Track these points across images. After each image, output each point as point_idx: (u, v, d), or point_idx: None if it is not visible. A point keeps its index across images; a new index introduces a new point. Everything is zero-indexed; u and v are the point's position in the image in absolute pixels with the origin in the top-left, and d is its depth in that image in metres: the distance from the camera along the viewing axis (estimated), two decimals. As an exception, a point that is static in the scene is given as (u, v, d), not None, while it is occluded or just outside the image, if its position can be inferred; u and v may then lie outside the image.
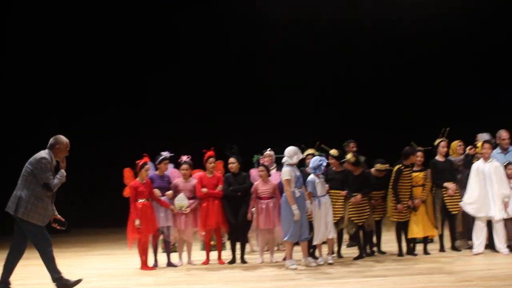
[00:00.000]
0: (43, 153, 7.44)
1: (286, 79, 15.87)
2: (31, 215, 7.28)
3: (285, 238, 8.96)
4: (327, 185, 9.36)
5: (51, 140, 7.57)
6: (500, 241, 9.46)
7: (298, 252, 9.21)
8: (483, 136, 10.09)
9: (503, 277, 7.57)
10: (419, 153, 9.64)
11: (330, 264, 9.10)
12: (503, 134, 10.01)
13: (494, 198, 9.44)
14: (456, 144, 10.07)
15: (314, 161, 9.23)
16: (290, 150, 9.03)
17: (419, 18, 15.28)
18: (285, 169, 8.97)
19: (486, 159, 9.55)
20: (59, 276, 7.47)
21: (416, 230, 9.54)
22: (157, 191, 9.45)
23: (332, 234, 9.23)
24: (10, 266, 7.50)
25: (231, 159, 9.57)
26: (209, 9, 15.58)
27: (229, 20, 15.69)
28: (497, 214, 9.41)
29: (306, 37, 15.95)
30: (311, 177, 9.20)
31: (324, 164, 9.22)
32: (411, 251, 9.62)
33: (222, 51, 15.88)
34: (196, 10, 15.54)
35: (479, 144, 9.78)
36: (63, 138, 7.64)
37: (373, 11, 15.30)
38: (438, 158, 9.87)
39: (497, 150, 10.01)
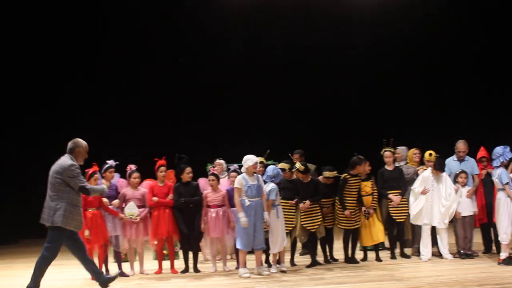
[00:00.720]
0: (68, 160, 7.59)
1: (237, 86, 15.83)
2: (69, 222, 7.54)
3: (238, 246, 8.97)
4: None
5: (70, 144, 7.75)
6: (444, 248, 9.77)
7: (252, 261, 9.23)
8: (402, 149, 10.44)
9: (451, 283, 7.80)
10: (367, 163, 9.84)
11: (283, 272, 9.14)
12: (461, 146, 10.24)
13: (439, 207, 9.70)
14: (412, 152, 10.29)
15: (271, 170, 9.28)
16: (246, 157, 9.05)
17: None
18: (238, 177, 9.01)
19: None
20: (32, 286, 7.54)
21: (366, 238, 9.70)
22: (106, 200, 9.34)
23: (285, 243, 9.28)
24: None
25: (188, 169, 9.50)
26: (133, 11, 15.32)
27: (175, 23, 15.52)
28: (441, 222, 9.71)
29: (258, 45, 15.90)
30: (273, 185, 9.24)
31: (282, 172, 9.29)
32: (364, 259, 9.85)
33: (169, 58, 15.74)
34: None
35: (426, 154, 10.05)
36: (82, 142, 7.80)
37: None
38: (386, 167, 10.05)
39: (453, 157, 10.27)
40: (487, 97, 15.49)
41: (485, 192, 9.97)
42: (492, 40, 15.41)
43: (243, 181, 8.97)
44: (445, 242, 9.80)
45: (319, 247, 9.89)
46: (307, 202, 9.46)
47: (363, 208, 9.65)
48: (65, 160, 7.63)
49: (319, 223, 9.59)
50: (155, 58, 15.54)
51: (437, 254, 9.88)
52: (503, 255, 9.12)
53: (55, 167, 7.61)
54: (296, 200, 9.50)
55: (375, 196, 9.80)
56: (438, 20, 15.49)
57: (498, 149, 9.34)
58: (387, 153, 10.05)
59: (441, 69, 15.85)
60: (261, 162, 9.79)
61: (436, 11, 15.41)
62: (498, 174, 9.16)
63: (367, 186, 9.75)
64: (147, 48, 15.39)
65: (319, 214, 9.61)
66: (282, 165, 9.65)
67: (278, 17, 15.34)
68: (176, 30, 15.42)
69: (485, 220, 10.01)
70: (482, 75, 15.51)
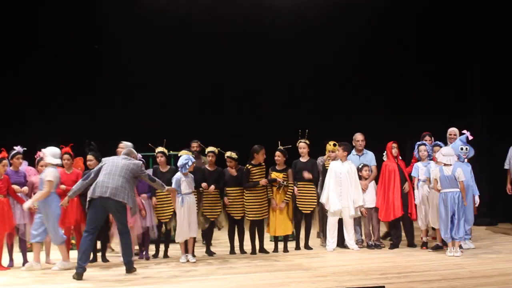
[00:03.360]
0: (138, 162, 8.71)
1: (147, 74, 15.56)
2: (130, 201, 8.37)
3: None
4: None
5: (127, 151, 8.80)
6: (350, 239, 10.02)
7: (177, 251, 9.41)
8: None
9: (355, 272, 8.02)
10: (277, 153, 9.92)
11: (193, 262, 9.13)
12: (358, 136, 10.52)
13: (346, 198, 9.93)
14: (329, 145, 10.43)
15: (181, 159, 9.26)
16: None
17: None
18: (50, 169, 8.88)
19: (343, 160, 10.01)
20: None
21: (275, 228, 9.84)
22: (16, 187, 9.07)
23: (193, 234, 9.28)
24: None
25: (89, 156, 9.35)
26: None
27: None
28: (347, 213, 9.94)
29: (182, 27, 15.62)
30: (177, 174, 9.26)
31: (190, 163, 9.26)
32: (275, 250, 9.96)
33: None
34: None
35: (330, 145, 10.26)
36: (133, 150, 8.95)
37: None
38: (301, 158, 10.19)
39: (353, 152, 10.49)
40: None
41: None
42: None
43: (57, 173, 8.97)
44: (350, 233, 10.05)
45: (225, 237, 10.03)
46: (212, 186, 9.54)
47: (277, 180, 9.74)
48: (136, 161, 8.67)
49: (219, 213, 9.70)
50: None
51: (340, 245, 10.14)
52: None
53: (128, 163, 8.54)
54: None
55: (289, 189, 9.89)
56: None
57: (449, 149, 9.51)
58: (301, 144, 10.17)
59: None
60: (161, 152, 9.78)
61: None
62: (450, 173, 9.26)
63: (279, 177, 9.84)
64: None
65: (219, 204, 9.71)
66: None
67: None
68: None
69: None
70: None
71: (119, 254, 9.57)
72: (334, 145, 10.20)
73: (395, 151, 10.15)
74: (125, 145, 9.96)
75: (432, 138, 10.52)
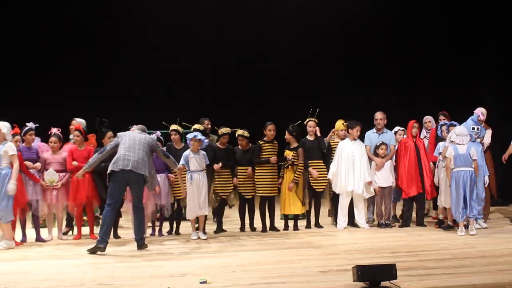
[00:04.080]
0: (153, 136, 8.94)
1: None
2: (149, 175, 8.47)
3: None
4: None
5: (140, 127, 8.84)
6: (361, 218, 10.04)
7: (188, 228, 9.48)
8: None
9: (365, 251, 8.01)
10: (286, 132, 9.90)
11: (204, 239, 9.18)
12: (378, 115, 10.47)
13: (356, 177, 9.91)
14: (341, 124, 10.40)
15: (188, 136, 9.30)
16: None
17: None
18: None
19: (351, 138, 10.01)
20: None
21: (286, 207, 9.85)
22: (29, 164, 9.14)
23: (204, 211, 9.30)
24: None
25: (109, 133, 9.41)
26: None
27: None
28: (359, 191, 9.94)
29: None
30: (187, 151, 9.24)
31: (192, 140, 9.24)
32: (285, 228, 10.02)
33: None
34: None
35: (339, 124, 10.31)
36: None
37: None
38: (308, 137, 10.17)
39: (373, 130, 10.48)
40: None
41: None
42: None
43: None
44: (362, 212, 10.07)
45: (236, 215, 10.11)
46: (220, 164, 9.57)
47: (287, 158, 9.76)
48: (151, 136, 8.85)
49: (230, 190, 9.75)
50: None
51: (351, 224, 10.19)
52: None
53: (145, 136, 8.66)
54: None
55: (298, 168, 9.88)
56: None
57: (462, 129, 9.49)
58: (310, 123, 10.14)
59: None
60: (175, 130, 9.78)
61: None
62: (463, 151, 9.29)
63: (289, 155, 9.84)
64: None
65: (231, 182, 9.75)
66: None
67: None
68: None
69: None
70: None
71: (129, 230, 9.67)
72: (343, 124, 10.20)
73: (415, 130, 10.13)
74: (78, 122, 10.03)
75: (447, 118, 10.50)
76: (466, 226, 9.29)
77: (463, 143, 9.26)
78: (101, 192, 9.30)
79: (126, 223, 10.31)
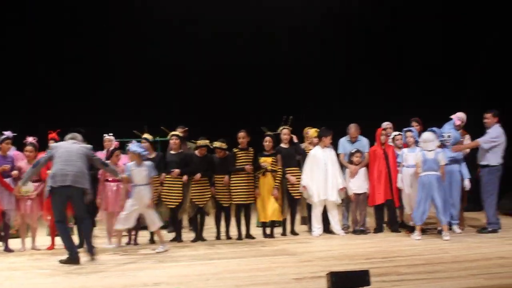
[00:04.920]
0: (89, 145, 8.57)
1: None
2: (89, 186, 8.33)
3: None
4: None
5: (72, 135, 8.52)
6: (336, 224, 10.08)
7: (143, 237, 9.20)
8: None
9: (340, 257, 8.04)
10: (267, 138, 9.93)
11: (165, 251, 8.99)
12: (352, 128, 10.49)
13: (329, 185, 9.97)
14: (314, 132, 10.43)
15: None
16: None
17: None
18: None
19: (324, 146, 10.07)
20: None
21: (264, 214, 9.86)
22: (6, 167, 9.12)
23: (153, 227, 9.09)
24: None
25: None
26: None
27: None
28: (332, 199, 9.99)
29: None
30: (130, 163, 9.11)
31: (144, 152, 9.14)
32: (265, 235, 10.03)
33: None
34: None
35: (311, 132, 10.35)
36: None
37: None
38: (282, 144, 10.19)
39: (347, 137, 10.55)
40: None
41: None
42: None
43: None
44: (336, 218, 10.11)
45: (211, 223, 10.08)
46: (198, 174, 9.54)
47: (261, 164, 9.79)
48: (86, 145, 8.53)
49: (208, 199, 9.72)
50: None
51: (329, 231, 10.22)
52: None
53: (81, 147, 8.40)
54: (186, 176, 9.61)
55: (278, 175, 9.92)
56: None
57: (429, 135, 9.61)
58: (285, 131, 10.17)
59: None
60: (145, 138, 9.78)
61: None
62: (429, 156, 9.47)
63: (267, 162, 9.87)
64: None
65: (209, 190, 9.72)
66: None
67: None
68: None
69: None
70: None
71: (104, 239, 9.63)
72: (315, 131, 10.27)
73: (383, 138, 10.19)
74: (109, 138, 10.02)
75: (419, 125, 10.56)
76: (440, 232, 9.49)
77: (430, 148, 9.43)
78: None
79: (101, 232, 10.22)
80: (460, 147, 9.97)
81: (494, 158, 9.88)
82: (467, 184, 10.00)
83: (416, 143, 9.94)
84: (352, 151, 10.28)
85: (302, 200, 10.27)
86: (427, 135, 9.60)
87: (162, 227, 9.93)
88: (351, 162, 10.24)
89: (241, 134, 9.86)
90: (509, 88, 12.90)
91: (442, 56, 14.84)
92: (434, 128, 9.85)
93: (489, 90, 13.60)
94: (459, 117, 10.14)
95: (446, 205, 9.44)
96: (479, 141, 9.92)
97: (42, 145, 9.59)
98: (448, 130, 9.98)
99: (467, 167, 10.18)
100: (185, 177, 9.60)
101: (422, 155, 9.46)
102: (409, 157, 9.86)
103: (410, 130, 10.12)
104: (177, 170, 9.56)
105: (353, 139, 10.43)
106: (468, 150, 10.22)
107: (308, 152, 10.20)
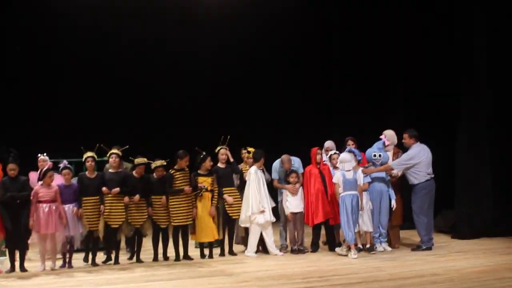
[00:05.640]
0: None
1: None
2: None
3: None
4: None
5: None
6: (271, 244, 10.14)
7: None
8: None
9: (277, 277, 8.06)
10: (208, 157, 9.93)
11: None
12: (286, 165, 10.36)
13: (263, 203, 10.03)
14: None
15: None
16: None
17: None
18: None
19: (258, 166, 10.14)
20: None
21: (202, 234, 9.81)
22: None
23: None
24: None
25: (11, 165, 9.07)
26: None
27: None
28: (265, 218, 10.01)
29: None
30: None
31: None
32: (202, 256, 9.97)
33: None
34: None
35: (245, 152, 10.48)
36: None
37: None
38: (219, 165, 10.18)
39: (278, 160, 10.51)
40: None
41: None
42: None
43: None
44: (271, 238, 10.15)
45: (149, 244, 9.94)
46: (137, 196, 9.46)
47: (199, 185, 9.77)
48: None
49: (145, 220, 9.63)
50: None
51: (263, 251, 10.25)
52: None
53: None
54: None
55: (215, 194, 9.92)
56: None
57: (346, 156, 9.80)
58: (222, 151, 10.17)
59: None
60: (91, 157, 9.61)
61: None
62: (348, 177, 9.67)
63: (206, 182, 9.85)
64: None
65: (145, 210, 9.65)
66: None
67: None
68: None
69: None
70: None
71: (37, 263, 9.40)
72: (249, 152, 10.34)
73: (319, 157, 10.30)
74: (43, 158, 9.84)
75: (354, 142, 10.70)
76: (370, 248, 9.90)
77: (347, 168, 9.69)
78: (6, 223, 8.97)
79: (35, 255, 9.95)
80: (369, 170, 10.12)
81: (414, 178, 10.11)
82: (393, 203, 10.17)
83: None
84: (287, 173, 10.34)
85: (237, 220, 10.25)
86: (343, 155, 9.84)
87: (100, 249, 9.84)
88: (287, 182, 10.30)
89: (183, 153, 9.79)
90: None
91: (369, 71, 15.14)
92: (352, 148, 10.12)
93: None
94: (387, 136, 10.36)
95: (355, 224, 9.64)
96: (390, 165, 10.15)
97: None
98: (378, 150, 10.16)
99: (400, 185, 10.40)
100: (126, 198, 9.47)
101: (342, 175, 9.71)
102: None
103: (336, 153, 10.30)
104: (116, 189, 9.43)
105: (288, 170, 10.43)
106: (396, 172, 10.34)
107: (246, 172, 10.23)
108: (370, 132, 11.09)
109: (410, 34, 13.82)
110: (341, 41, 15.89)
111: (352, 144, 10.57)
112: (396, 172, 10.19)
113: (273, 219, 10.15)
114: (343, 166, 9.72)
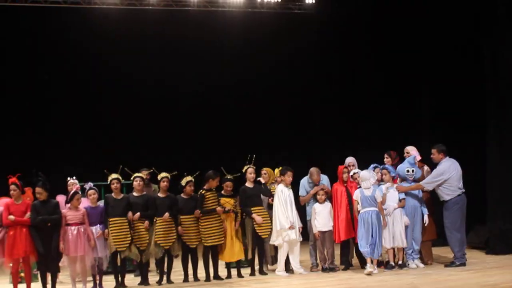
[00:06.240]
0: None
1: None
2: None
3: None
4: None
5: None
6: (296, 263, 10.11)
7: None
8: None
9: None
10: (228, 183, 9.96)
11: None
12: (315, 178, 10.39)
13: (296, 221, 9.99)
14: (278, 171, 10.43)
15: None
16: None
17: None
18: None
19: (288, 184, 10.10)
20: None
21: (229, 254, 9.78)
22: None
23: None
24: None
25: (38, 189, 9.17)
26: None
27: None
28: (294, 236, 9.96)
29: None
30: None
31: None
32: (228, 276, 9.92)
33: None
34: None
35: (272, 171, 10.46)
36: None
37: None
38: (247, 184, 10.16)
39: (308, 179, 10.49)
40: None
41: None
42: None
43: None
44: (297, 258, 10.09)
45: (178, 265, 9.92)
46: (166, 214, 9.46)
47: (226, 208, 9.79)
48: None
49: (174, 240, 9.61)
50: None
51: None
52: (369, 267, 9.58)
53: None
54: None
55: (238, 215, 9.95)
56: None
57: (365, 173, 9.81)
58: (249, 170, 10.16)
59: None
60: (116, 179, 9.66)
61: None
62: (367, 194, 9.71)
63: (229, 203, 9.86)
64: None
65: (174, 231, 9.62)
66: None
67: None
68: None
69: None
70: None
71: (68, 286, 9.44)
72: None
73: (345, 176, 10.25)
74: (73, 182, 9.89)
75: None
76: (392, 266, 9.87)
77: (367, 186, 9.72)
78: (38, 246, 9.03)
79: (66, 278, 9.99)
80: (403, 188, 10.05)
81: (446, 194, 9.98)
82: (426, 219, 10.05)
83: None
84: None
85: (269, 239, 10.19)
86: (363, 173, 9.86)
87: (129, 271, 9.88)
88: (316, 200, 10.25)
89: (212, 173, 9.83)
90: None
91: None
92: (386, 165, 10.19)
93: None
94: (410, 150, 10.32)
95: (381, 241, 9.65)
96: (421, 184, 10.05)
97: (3, 190, 9.43)
98: (410, 166, 10.07)
99: (431, 201, 10.28)
100: (146, 223, 9.50)
101: (360, 192, 9.76)
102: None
103: (376, 167, 10.20)
104: (137, 214, 9.47)
105: (316, 183, 10.42)
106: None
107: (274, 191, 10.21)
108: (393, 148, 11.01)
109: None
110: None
111: (387, 158, 10.48)
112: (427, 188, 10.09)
113: (300, 239, 10.08)
114: (363, 184, 9.76)
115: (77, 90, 15.44)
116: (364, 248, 9.58)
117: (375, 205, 9.66)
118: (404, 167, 10.08)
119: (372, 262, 9.57)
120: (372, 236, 9.57)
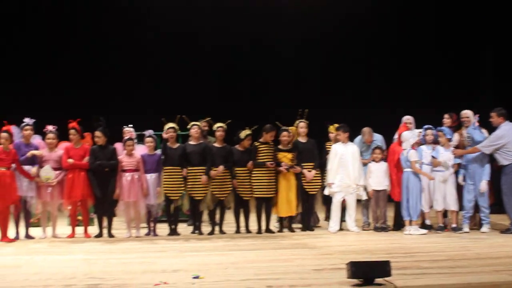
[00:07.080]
0: None
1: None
2: None
3: None
4: None
5: None
6: (352, 221, 10.03)
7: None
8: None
9: (361, 252, 7.95)
10: (284, 133, 9.86)
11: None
12: (366, 135, 10.39)
13: (350, 180, 9.90)
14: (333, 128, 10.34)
15: None
16: None
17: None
18: None
19: (344, 142, 9.99)
20: None
21: (283, 208, 9.80)
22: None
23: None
24: None
25: (97, 133, 9.36)
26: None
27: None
28: (351, 195, 9.94)
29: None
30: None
31: None
32: (280, 230, 9.98)
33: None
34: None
35: (331, 127, 10.29)
36: None
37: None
38: (300, 139, 10.09)
39: (361, 139, 10.44)
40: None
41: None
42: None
43: None
44: (352, 215, 10.03)
45: (230, 216, 10.04)
46: (220, 167, 9.50)
47: (283, 165, 9.72)
48: None
49: (229, 192, 9.67)
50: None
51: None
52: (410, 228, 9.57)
53: None
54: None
55: (296, 168, 9.87)
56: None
57: (406, 134, 9.72)
58: (301, 124, 10.07)
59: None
60: (172, 128, 9.69)
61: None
62: (405, 155, 9.62)
63: (286, 158, 9.82)
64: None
65: (230, 183, 9.66)
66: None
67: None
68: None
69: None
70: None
71: (123, 230, 9.65)
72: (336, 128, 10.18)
73: None
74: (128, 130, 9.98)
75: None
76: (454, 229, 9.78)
77: (407, 147, 9.66)
78: (95, 190, 9.25)
79: (121, 224, 10.22)
80: (459, 152, 9.87)
81: (504, 159, 9.69)
82: (482, 185, 9.82)
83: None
84: (374, 147, 10.18)
85: (317, 195, 10.17)
86: (404, 133, 9.80)
87: (182, 220, 10.04)
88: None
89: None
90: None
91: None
92: (443, 127, 10.04)
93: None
94: (468, 115, 10.08)
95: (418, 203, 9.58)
96: (478, 147, 9.76)
97: (63, 135, 9.63)
98: (472, 131, 9.85)
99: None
100: (204, 178, 9.53)
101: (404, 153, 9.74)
102: (426, 154, 9.85)
103: (430, 128, 10.02)
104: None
105: (368, 143, 10.33)
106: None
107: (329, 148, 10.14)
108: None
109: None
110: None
111: (448, 119, 10.28)
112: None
113: (363, 197, 10.07)
114: (403, 145, 9.71)
115: (137, 44, 15.63)
116: (402, 210, 9.61)
117: (410, 165, 9.59)
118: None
119: (410, 223, 9.53)
120: (408, 198, 9.55)
